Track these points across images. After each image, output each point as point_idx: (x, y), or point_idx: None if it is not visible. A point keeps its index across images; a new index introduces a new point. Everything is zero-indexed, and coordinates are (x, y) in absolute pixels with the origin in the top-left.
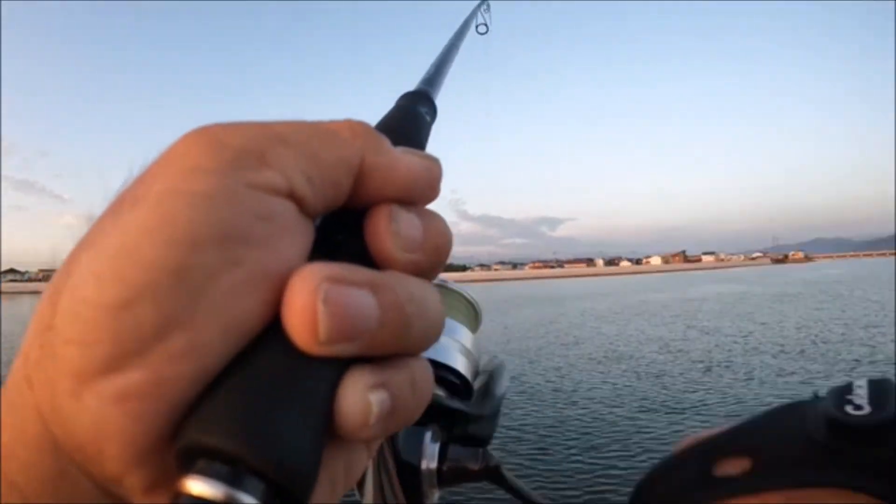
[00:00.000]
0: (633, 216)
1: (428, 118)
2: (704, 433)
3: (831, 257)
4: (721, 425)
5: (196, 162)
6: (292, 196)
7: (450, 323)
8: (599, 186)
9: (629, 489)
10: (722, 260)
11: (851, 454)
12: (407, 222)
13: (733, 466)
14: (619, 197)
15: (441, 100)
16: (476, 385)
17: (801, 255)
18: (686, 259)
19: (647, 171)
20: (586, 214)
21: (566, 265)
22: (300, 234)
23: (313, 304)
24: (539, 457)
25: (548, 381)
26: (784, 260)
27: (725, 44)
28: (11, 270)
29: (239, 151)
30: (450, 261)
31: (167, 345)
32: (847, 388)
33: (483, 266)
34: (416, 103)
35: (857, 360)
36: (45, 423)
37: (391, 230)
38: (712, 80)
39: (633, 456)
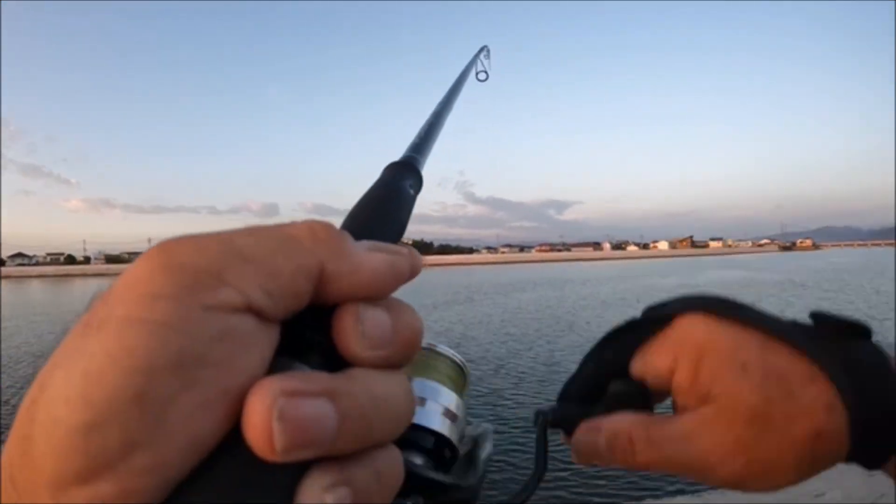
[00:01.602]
0: (641, 201)
1: (412, 191)
2: None
3: (839, 245)
4: None
5: (154, 288)
6: (250, 309)
7: (434, 386)
8: (607, 170)
9: (610, 480)
10: (729, 246)
11: None
12: (373, 321)
13: None
14: (627, 181)
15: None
16: (461, 451)
17: (809, 242)
18: (693, 244)
19: (655, 156)
20: (594, 198)
21: (573, 249)
22: (260, 343)
23: (268, 420)
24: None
25: (534, 369)
26: (792, 247)
27: (733, 35)
28: (19, 254)
29: (196, 273)
30: (458, 243)
31: (132, 462)
32: None
33: (490, 249)
34: (401, 177)
35: None
36: None
37: (357, 331)
38: (721, 70)
39: None
